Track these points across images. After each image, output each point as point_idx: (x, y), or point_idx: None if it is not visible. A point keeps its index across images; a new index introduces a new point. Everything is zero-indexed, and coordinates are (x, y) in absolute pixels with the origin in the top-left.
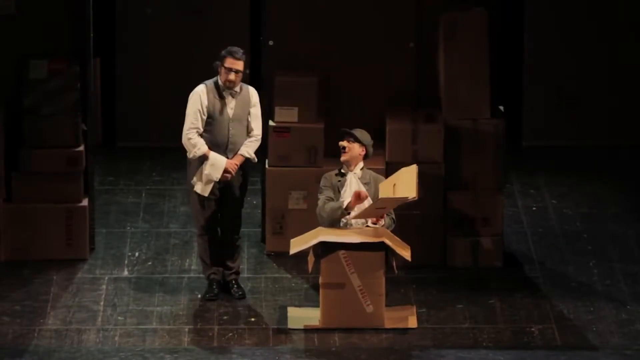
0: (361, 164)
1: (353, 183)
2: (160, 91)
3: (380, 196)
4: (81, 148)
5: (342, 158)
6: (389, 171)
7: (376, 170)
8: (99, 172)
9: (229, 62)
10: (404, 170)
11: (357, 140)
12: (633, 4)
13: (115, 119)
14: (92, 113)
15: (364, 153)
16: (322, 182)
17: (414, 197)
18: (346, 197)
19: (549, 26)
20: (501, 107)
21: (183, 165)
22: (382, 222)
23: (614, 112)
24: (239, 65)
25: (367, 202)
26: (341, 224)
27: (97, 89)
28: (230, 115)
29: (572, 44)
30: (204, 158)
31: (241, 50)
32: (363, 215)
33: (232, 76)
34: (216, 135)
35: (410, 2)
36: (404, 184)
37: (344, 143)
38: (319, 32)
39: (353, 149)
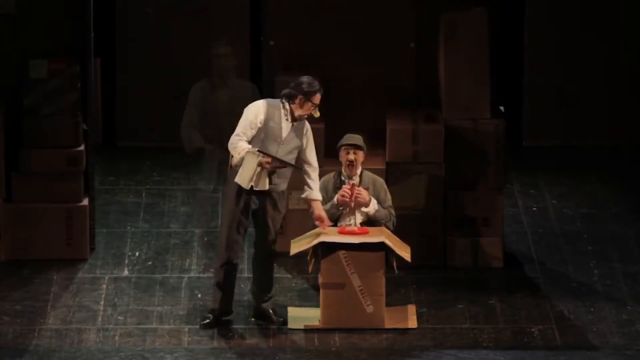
0: (360, 168)
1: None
2: (160, 91)
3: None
4: (81, 148)
5: (352, 171)
6: (389, 171)
7: (376, 171)
8: (99, 172)
9: (318, 99)
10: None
11: (359, 147)
12: (632, 4)
13: (115, 119)
14: (92, 113)
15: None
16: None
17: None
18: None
19: (549, 26)
20: (501, 107)
21: (182, 165)
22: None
23: (614, 112)
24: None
25: (372, 206)
26: (342, 224)
27: (97, 89)
28: (282, 138)
29: (572, 44)
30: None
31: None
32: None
33: (317, 113)
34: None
35: (410, 2)
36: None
37: (350, 157)
38: (319, 32)
39: (359, 158)
